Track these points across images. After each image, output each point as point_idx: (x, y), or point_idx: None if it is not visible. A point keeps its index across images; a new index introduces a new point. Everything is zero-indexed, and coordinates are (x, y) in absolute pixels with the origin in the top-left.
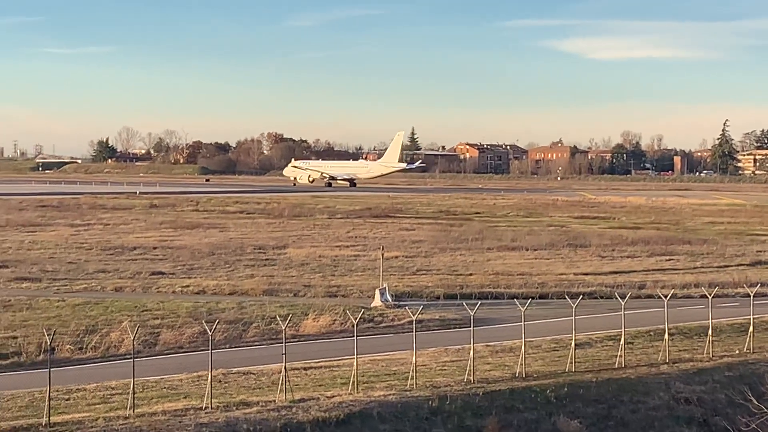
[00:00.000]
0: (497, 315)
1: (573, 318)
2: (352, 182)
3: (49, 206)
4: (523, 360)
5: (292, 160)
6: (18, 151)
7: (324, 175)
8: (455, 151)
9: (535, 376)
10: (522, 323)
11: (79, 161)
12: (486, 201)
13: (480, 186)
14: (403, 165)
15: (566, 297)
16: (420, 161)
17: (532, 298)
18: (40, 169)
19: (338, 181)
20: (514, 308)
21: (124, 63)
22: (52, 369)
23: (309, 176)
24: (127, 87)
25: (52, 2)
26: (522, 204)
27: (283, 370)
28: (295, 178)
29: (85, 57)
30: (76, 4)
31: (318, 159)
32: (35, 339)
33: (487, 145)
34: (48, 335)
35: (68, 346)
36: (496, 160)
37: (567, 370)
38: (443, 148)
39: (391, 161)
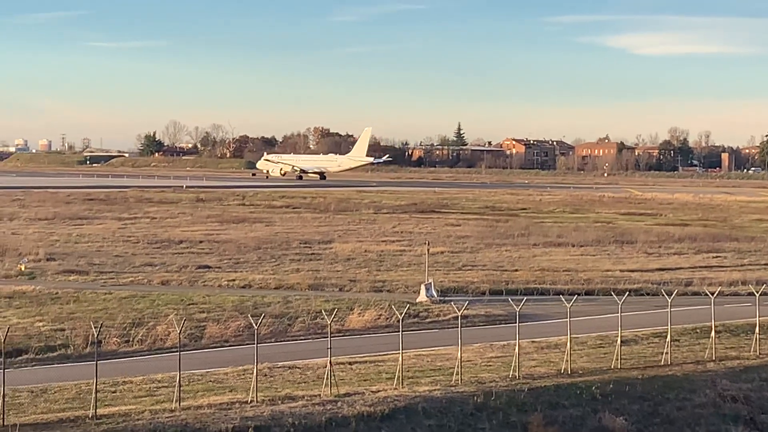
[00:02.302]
0: (543, 311)
1: (619, 315)
2: (322, 175)
3: (96, 200)
4: (569, 356)
5: (265, 153)
6: (66, 144)
7: (295, 168)
8: (501, 147)
9: (580, 372)
10: (567, 319)
11: (126, 155)
12: (532, 197)
13: (526, 182)
14: (371, 159)
15: (612, 294)
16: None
17: (578, 294)
18: (88, 162)
19: (309, 174)
20: (559, 304)
21: (171, 57)
22: (99, 361)
23: (281, 169)
24: (174, 81)
25: None
26: (568, 200)
27: (328, 364)
28: (267, 171)
29: (132, 51)
30: None
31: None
32: (82, 331)
33: (534, 140)
34: (95, 328)
35: (115, 339)
36: (542, 156)
37: (612, 366)
38: (489, 143)
39: (359, 155)
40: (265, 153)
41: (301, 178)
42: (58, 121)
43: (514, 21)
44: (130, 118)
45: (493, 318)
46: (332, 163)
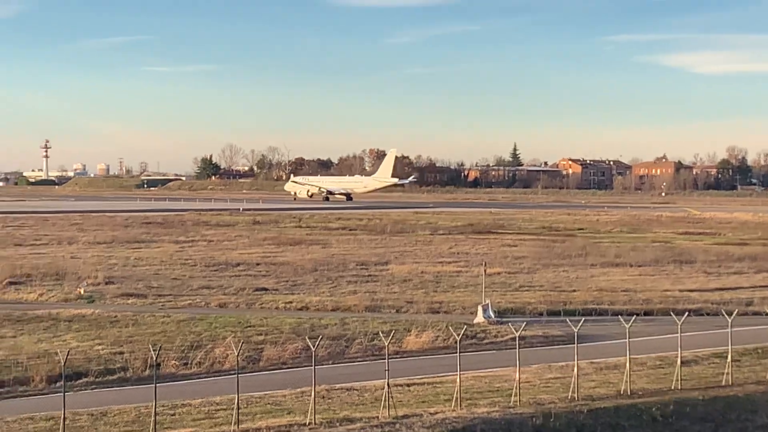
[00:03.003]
0: (601, 332)
1: (678, 335)
2: (348, 196)
3: (153, 223)
4: (628, 377)
5: (291, 176)
6: (123, 168)
7: (322, 189)
8: (558, 167)
9: (640, 393)
10: (626, 340)
11: (183, 178)
12: (589, 217)
13: (583, 202)
14: (396, 180)
15: (671, 314)
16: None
17: (637, 314)
18: (145, 186)
19: (336, 196)
20: (618, 325)
21: (227, 81)
22: (157, 384)
23: (308, 191)
24: (230, 104)
25: (157, 22)
26: (626, 220)
27: (386, 386)
28: (295, 193)
29: (189, 75)
30: (181, 23)
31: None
32: (141, 354)
33: (590, 160)
34: (154, 351)
35: (173, 362)
36: (599, 176)
37: (673, 387)
38: (546, 163)
39: (384, 177)
40: (292, 175)
41: (327, 199)
42: (116, 146)
43: (570, 41)
44: (187, 142)
45: (551, 339)
46: (358, 184)
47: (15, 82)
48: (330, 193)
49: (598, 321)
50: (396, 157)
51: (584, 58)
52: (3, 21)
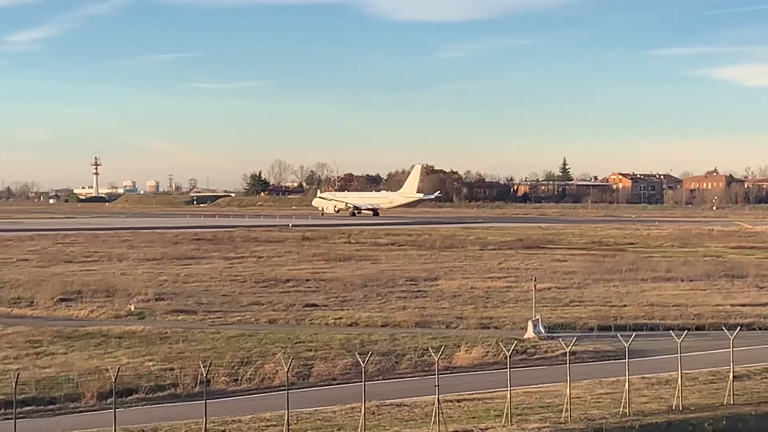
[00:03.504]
0: (652, 347)
1: (731, 349)
2: (375, 212)
3: (203, 239)
4: (680, 392)
5: (318, 192)
6: (173, 185)
7: (349, 205)
8: (608, 182)
9: (692, 408)
10: (678, 355)
11: (233, 194)
12: (639, 231)
13: (633, 216)
14: (421, 195)
15: (723, 328)
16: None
17: (688, 329)
18: (195, 202)
19: (363, 211)
20: (669, 340)
21: (276, 97)
22: (208, 400)
23: (335, 206)
24: (279, 121)
25: (207, 38)
26: (676, 234)
27: (436, 402)
28: (322, 209)
29: (238, 92)
30: (230, 40)
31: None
32: (191, 371)
33: (640, 174)
34: (204, 367)
35: (223, 378)
36: (649, 190)
37: (725, 402)
38: (596, 178)
39: (410, 192)
40: (318, 191)
41: (354, 214)
42: (166, 162)
43: (618, 55)
44: (236, 158)
45: (602, 354)
46: (384, 199)
47: (65, 100)
48: (357, 208)
49: (650, 336)
50: (442, 172)
51: (633, 72)
52: (54, 39)
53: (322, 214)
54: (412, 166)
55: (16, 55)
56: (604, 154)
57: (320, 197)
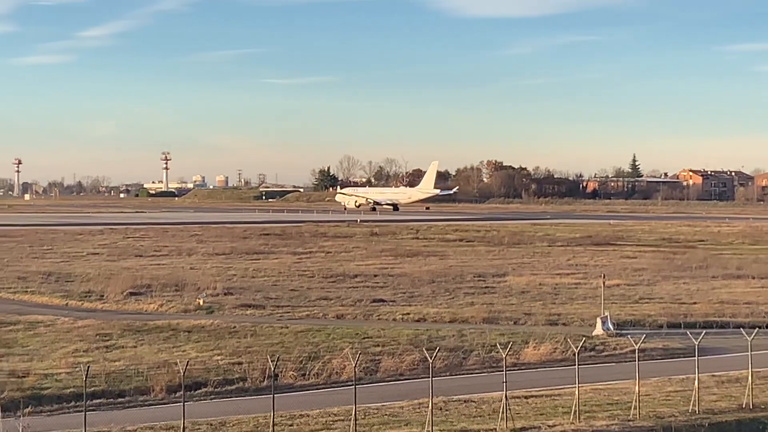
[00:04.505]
0: (723, 344)
1: None
2: (395, 207)
3: (272, 234)
4: (750, 390)
5: (338, 188)
6: (242, 180)
7: (369, 200)
8: (678, 178)
9: (762, 407)
10: (749, 353)
11: (301, 190)
12: (710, 228)
13: (703, 213)
14: (437, 191)
15: None
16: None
17: (759, 327)
18: (264, 197)
19: (383, 206)
20: (740, 338)
21: (345, 92)
22: (275, 395)
23: (355, 201)
24: (348, 116)
25: (275, 34)
26: (748, 231)
27: (503, 398)
28: (345, 204)
29: (307, 87)
30: (299, 35)
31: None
32: (259, 365)
33: (711, 171)
34: (272, 361)
35: (291, 373)
36: (720, 187)
37: None
38: (666, 174)
39: (427, 188)
40: (338, 188)
41: (374, 209)
42: (235, 157)
43: (690, 51)
44: (305, 153)
45: (671, 351)
46: (403, 195)
47: (135, 96)
48: (377, 203)
49: (720, 334)
50: (511, 168)
51: (704, 67)
52: (124, 34)
53: (345, 209)
54: (482, 160)
55: (87, 50)
56: (675, 150)
57: (341, 193)
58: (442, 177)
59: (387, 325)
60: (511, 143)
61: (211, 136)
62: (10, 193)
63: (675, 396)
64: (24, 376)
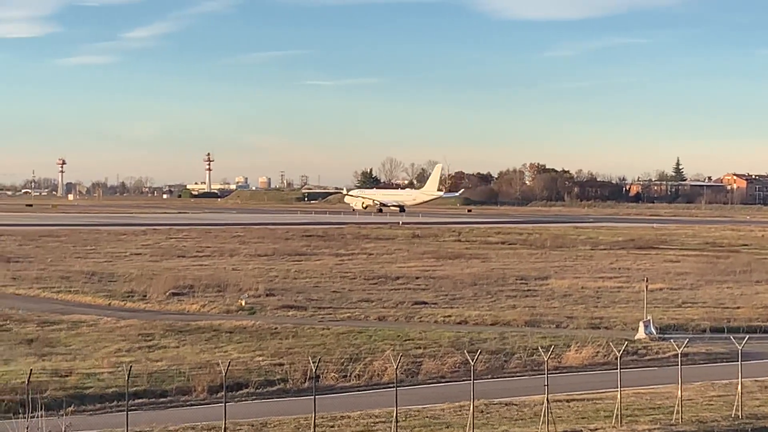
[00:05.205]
0: (766, 349)
1: None
2: (401, 208)
3: (314, 236)
4: None
5: (348, 190)
6: (284, 181)
7: (375, 202)
8: (722, 182)
9: None
10: None
11: (344, 191)
12: (754, 233)
13: (747, 217)
14: (441, 193)
15: None
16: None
17: None
18: (306, 199)
19: (389, 207)
20: None
21: (387, 94)
22: (317, 396)
23: (362, 203)
24: (390, 118)
25: (317, 36)
26: None
27: (545, 401)
28: (353, 206)
29: (349, 89)
30: (342, 37)
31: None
32: (301, 366)
33: (756, 175)
34: (313, 363)
35: (332, 374)
36: (764, 191)
37: None
38: (709, 178)
39: (431, 190)
40: (345, 189)
41: (381, 210)
42: (278, 159)
43: (733, 54)
44: (347, 155)
45: (714, 356)
46: (408, 197)
47: (179, 96)
48: (383, 205)
49: (763, 338)
50: (554, 170)
51: (748, 70)
52: (168, 35)
53: (353, 210)
54: (525, 163)
55: (131, 51)
56: (719, 154)
57: (350, 195)
58: (484, 179)
59: (428, 327)
60: (554, 146)
61: (253, 138)
62: (54, 193)
63: (718, 401)
64: (67, 376)
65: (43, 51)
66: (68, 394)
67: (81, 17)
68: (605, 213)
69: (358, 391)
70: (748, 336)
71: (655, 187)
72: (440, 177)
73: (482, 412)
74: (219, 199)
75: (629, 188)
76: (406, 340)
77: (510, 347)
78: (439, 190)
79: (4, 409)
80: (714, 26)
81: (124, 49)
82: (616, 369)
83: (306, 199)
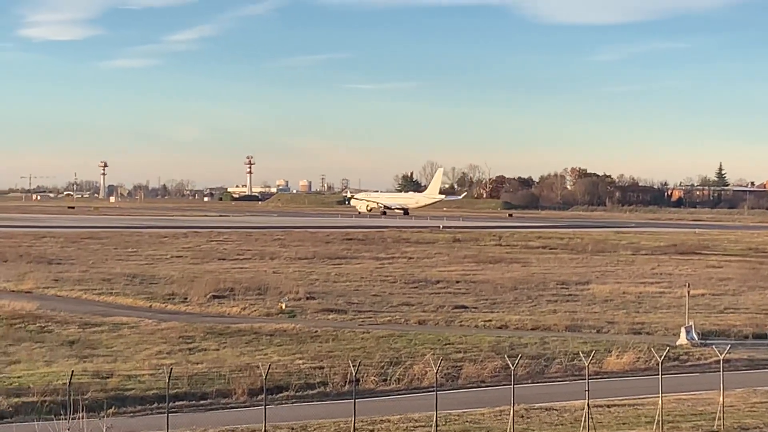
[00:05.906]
0: None
1: None
2: (405, 211)
3: (354, 239)
4: None
5: (352, 194)
6: (325, 185)
7: (379, 204)
8: (765, 187)
9: None
10: None
11: (348, 195)
12: None
13: None
14: (443, 197)
15: None
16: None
17: None
18: (347, 203)
19: (393, 210)
20: None
21: (428, 98)
22: (357, 399)
23: (367, 206)
24: (431, 122)
25: (359, 39)
26: None
27: (585, 407)
28: (358, 209)
29: (390, 92)
30: (383, 41)
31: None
32: (341, 369)
33: None
34: (353, 366)
35: (372, 378)
36: None
37: None
38: (752, 184)
39: (433, 194)
40: (348, 192)
41: (384, 213)
42: (318, 162)
43: None
44: (388, 159)
45: (757, 362)
46: (411, 200)
47: (220, 99)
48: (387, 208)
49: None
50: (595, 175)
51: None
52: (210, 39)
53: (358, 213)
54: (566, 168)
55: (173, 54)
56: (762, 159)
57: (355, 198)
58: (525, 183)
59: (469, 331)
60: (595, 150)
61: (294, 141)
62: (96, 195)
63: (760, 407)
64: (108, 377)
65: (86, 54)
66: (109, 396)
67: (124, 20)
68: (647, 218)
69: (398, 394)
70: None
71: (698, 192)
72: (446, 179)
73: (522, 417)
74: (259, 202)
75: (671, 193)
76: (446, 344)
77: (550, 352)
78: (441, 193)
79: (45, 410)
80: (757, 30)
81: (167, 52)
82: (658, 375)
83: (347, 202)
